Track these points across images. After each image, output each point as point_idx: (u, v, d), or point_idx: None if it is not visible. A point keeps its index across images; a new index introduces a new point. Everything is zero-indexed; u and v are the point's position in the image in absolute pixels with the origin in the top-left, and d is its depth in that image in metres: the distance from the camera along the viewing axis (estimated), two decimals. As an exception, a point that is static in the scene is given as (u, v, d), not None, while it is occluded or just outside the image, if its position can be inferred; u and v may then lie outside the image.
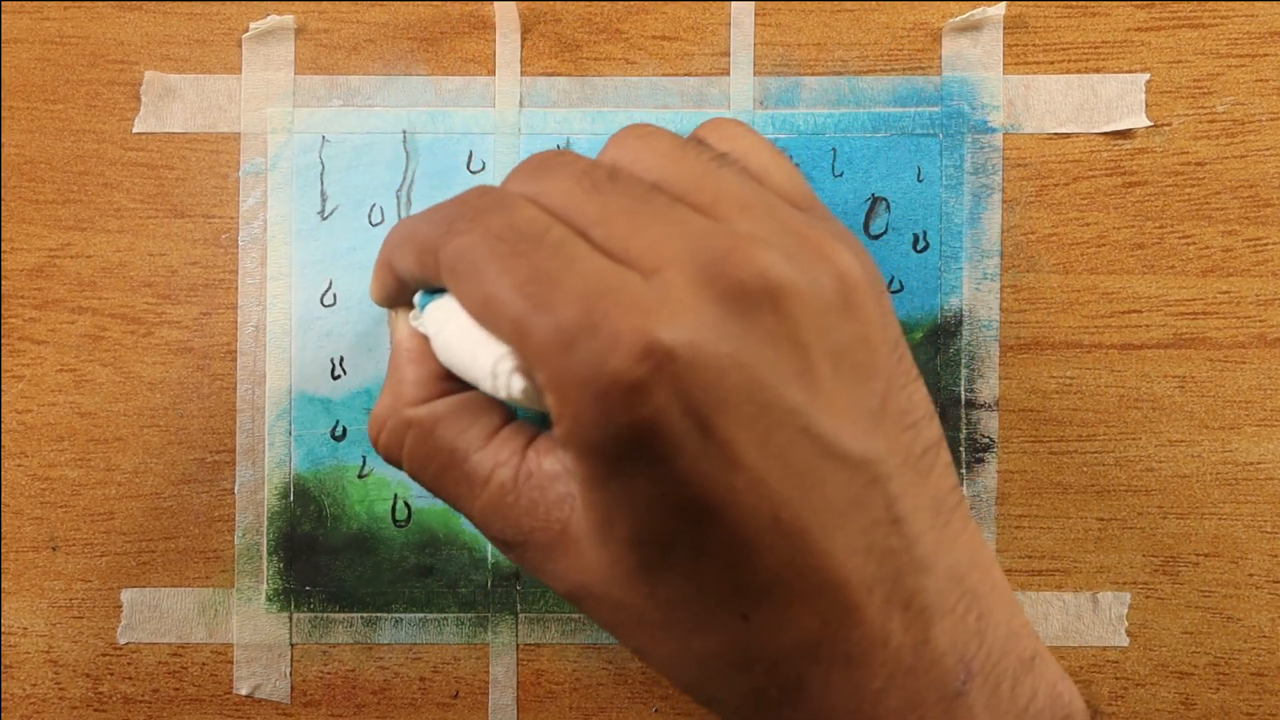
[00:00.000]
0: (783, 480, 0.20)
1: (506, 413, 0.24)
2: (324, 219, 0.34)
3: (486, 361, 0.22)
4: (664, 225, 0.21)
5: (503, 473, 0.23)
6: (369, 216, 0.35)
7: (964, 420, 0.34)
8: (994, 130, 0.34)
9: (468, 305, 0.21)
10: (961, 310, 0.34)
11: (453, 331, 0.23)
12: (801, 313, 0.20)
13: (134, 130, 0.34)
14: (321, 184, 0.34)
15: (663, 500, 0.20)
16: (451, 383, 0.24)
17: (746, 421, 0.20)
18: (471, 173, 0.34)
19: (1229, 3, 0.34)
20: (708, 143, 0.23)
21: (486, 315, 0.21)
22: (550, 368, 0.20)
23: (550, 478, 0.22)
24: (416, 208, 0.34)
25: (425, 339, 0.24)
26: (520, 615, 0.34)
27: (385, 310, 0.28)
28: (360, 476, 0.34)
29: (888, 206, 0.34)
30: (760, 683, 0.21)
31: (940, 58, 0.34)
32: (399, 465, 0.25)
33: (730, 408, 0.20)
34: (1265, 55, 0.34)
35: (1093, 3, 0.34)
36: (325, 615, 0.34)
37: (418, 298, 0.24)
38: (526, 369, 0.21)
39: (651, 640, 0.22)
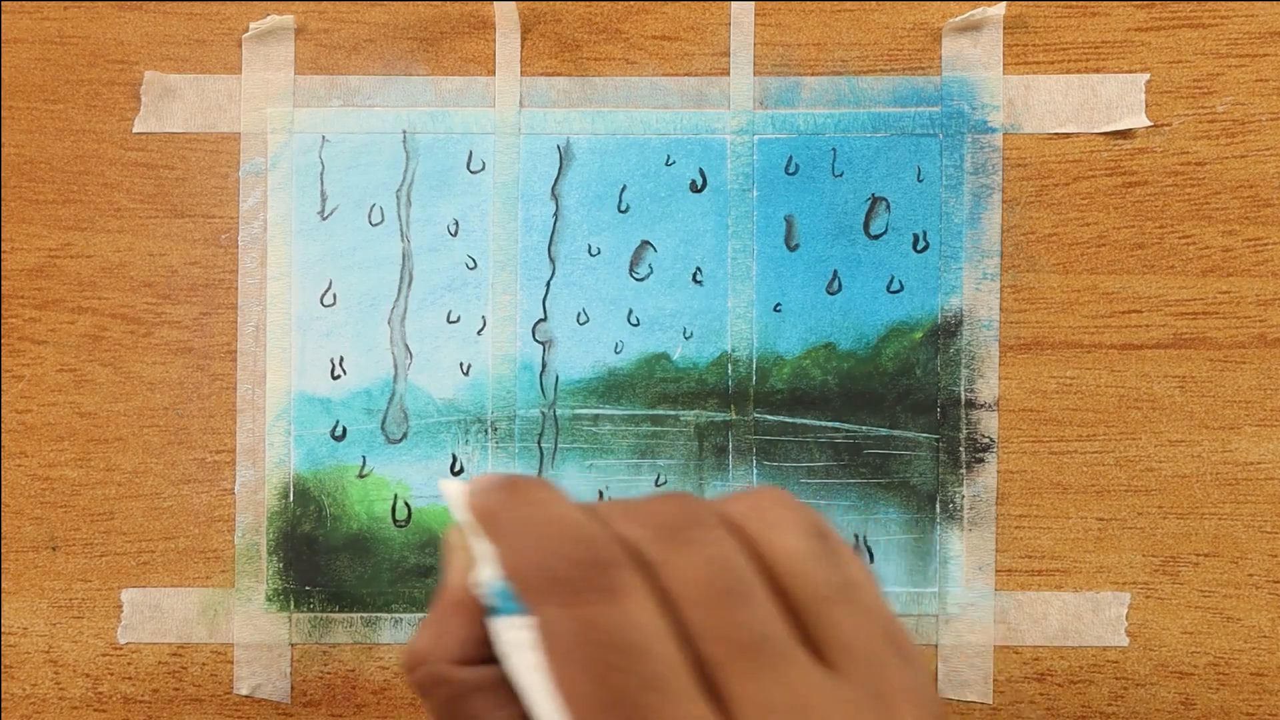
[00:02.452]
0: None
1: None
2: (324, 219, 0.34)
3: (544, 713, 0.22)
4: (772, 680, 0.21)
5: None
6: (369, 216, 0.35)
7: (964, 420, 0.34)
8: (994, 130, 0.34)
9: (555, 674, 0.21)
10: (961, 310, 0.34)
11: (526, 671, 0.22)
12: None
13: (134, 130, 0.34)
14: (321, 184, 0.34)
15: None
16: (489, 649, 0.24)
17: None
18: (471, 172, 0.34)
19: (1229, 3, 0.34)
20: (833, 546, 0.23)
21: (568, 701, 0.21)
22: None
23: None
24: (416, 208, 0.34)
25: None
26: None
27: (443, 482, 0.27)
28: (360, 476, 0.34)
29: (888, 206, 0.34)
30: None
31: (940, 58, 0.34)
32: (426, 702, 0.25)
33: None
34: (1265, 55, 0.34)
35: (1093, 3, 0.34)
36: (325, 615, 0.34)
37: (495, 583, 0.23)
38: None
39: None
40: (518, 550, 0.21)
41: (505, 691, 0.24)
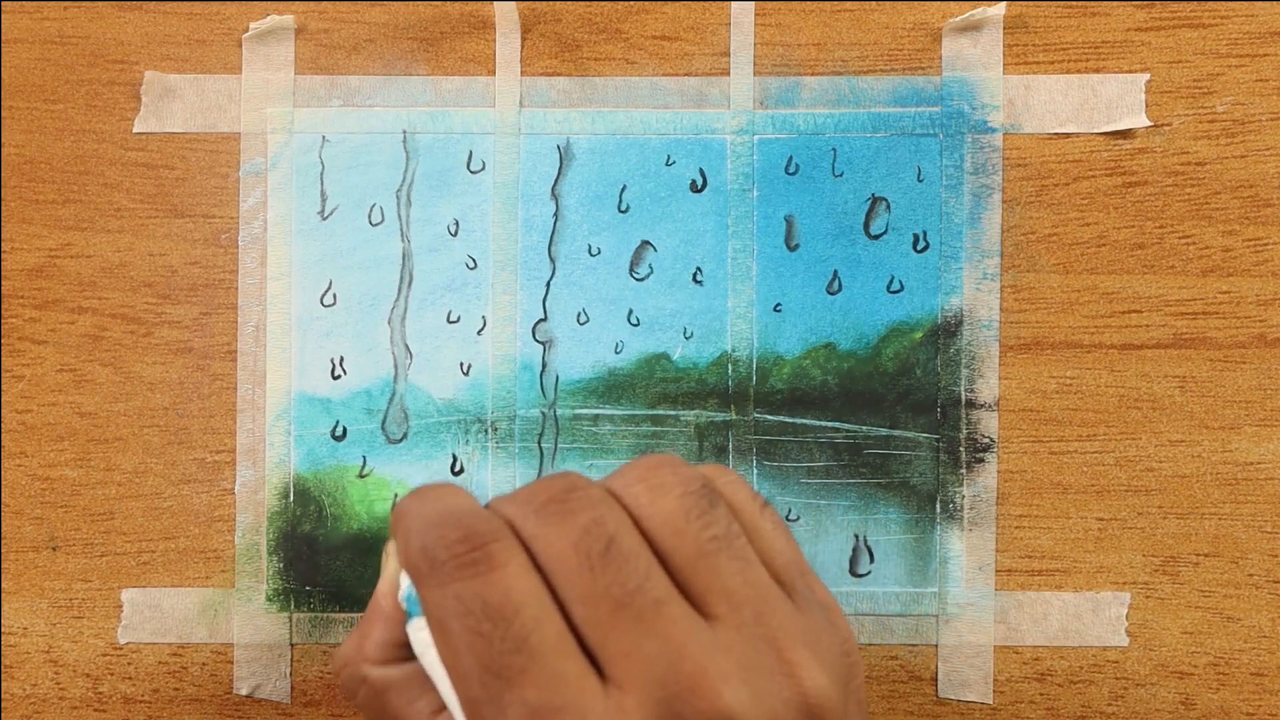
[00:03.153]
0: None
1: None
2: (324, 219, 0.34)
3: (448, 697, 0.23)
4: (642, 632, 0.21)
5: None
6: (369, 216, 0.35)
7: (964, 420, 0.34)
8: (994, 130, 0.34)
9: (443, 658, 0.22)
10: (961, 310, 0.34)
11: (433, 658, 0.23)
12: None
13: (134, 130, 0.34)
14: (321, 184, 0.34)
15: None
16: (411, 649, 0.25)
17: None
18: (471, 172, 0.34)
19: (1229, 3, 0.34)
20: (715, 503, 0.23)
21: (452, 677, 0.21)
22: None
23: None
24: (416, 208, 0.34)
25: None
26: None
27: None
28: (360, 476, 0.34)
29: (888, 206, 0.34)
30: None
31: (940, 58, 0.34)
32: (352, 703, 0.26)
33: None
34: (1265, 55, 0.34)
35: (1093, 3, 0.34)
36: (325, 615, 0.34)
37: (406, 589, 0.24)
38: None
39: None
40: (407, 542, 0.22)
41: (422, 685, 0.25)
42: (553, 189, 0.35)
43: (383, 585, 0.25)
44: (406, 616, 0.24)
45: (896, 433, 0.34)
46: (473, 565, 0.21)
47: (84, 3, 0.34)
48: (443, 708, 0.24)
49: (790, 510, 0.34)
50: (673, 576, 0.22)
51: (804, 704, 0.22)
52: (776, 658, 0.22)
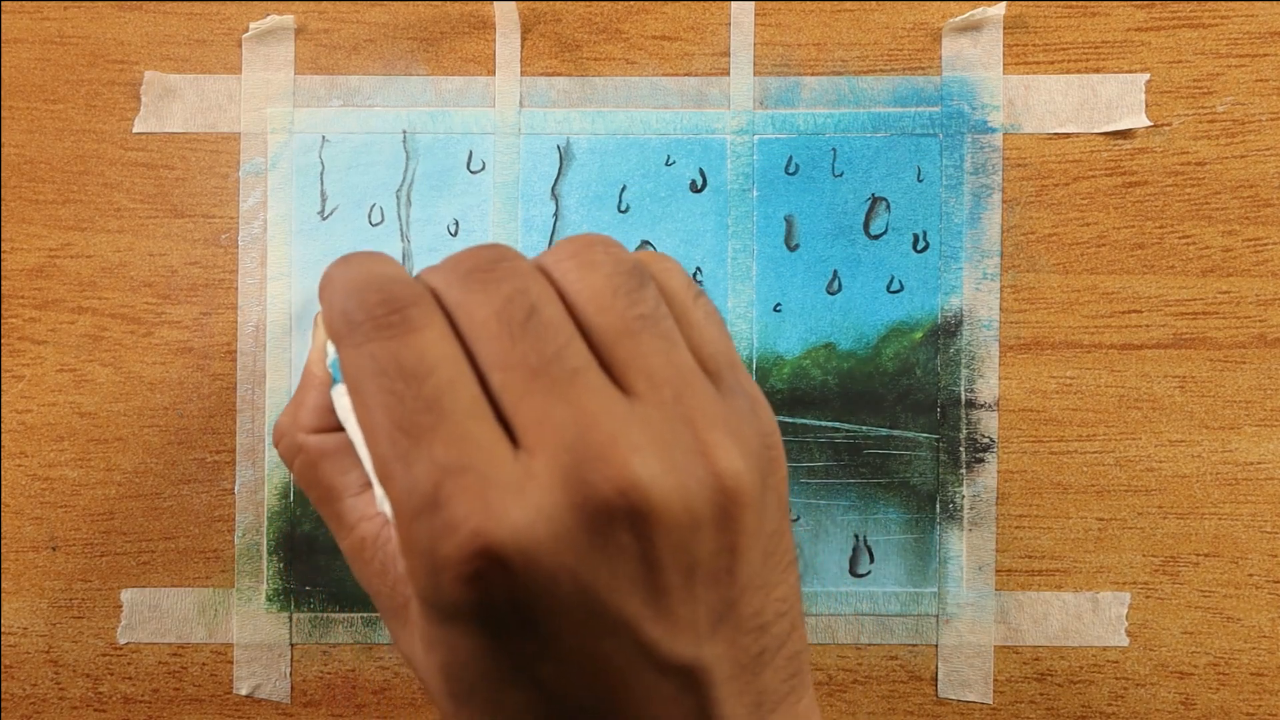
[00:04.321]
0: (596, 675, 0.21)
1: None
2: (324, 219, 0.34)
3: (364, 457, 0.23)
4: (556, 398, 0.21)
5: (366, 528, 0.24)
6: (369, 216, 0.35)
7: (964, 420, 0.34)
8: (994, 130, 0.34)
9: (357, 415, 0.21)
10: (961, 310, 0.34)
11: (355, 424, 0.23)
12: (662, 534, 0.20)
13: (134, 130, 0.34)
14: (321, 184, 0.34)
15: (474, 661, 0.21)
16: None
17: (572, 625, 0.20)
18: (471, 172, 0.34)
19: (1229, 3, 0.34)
20: (645, 283, 0.23)
21: (365, 436, 0.21)
22: (399, 520, 0.20)
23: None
24: (416, 208, 0.34)
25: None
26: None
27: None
28: (360, 476, 0.34)
29: (888, 206, 0.34)
30: None
31: (940, 58, 0.34)
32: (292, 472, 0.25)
33: (557, 612, 0.20)
34: (1265, 55, 0.34)
35: (1093, 3, 0.34)
36: (325, 615, 0.34)
37: (332, 355, 0.24)
38: None
39: None
40: (329, 305, 0.22)
41: (355, 454, 0.24)
42: (553, 189, 0.35)
43: (313, 354, 0.25)
44: (332, 382, 0.24)
45: (896, 433, 0.34)
46: (390, 327, 0.21)
47: (84, 3, 0.34)
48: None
49: (790, 510, 0.34)
50: (596, 353, 0.22)
51: (718, 484, 0.21)
52: (693, 437, 0.21)
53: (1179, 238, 0.34)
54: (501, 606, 0.20)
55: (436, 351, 0.21)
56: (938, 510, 0.34)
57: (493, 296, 0.21)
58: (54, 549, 0.34)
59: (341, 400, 0.23)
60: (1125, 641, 0.34)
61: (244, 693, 0.34)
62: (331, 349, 0.24)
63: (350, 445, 0.24)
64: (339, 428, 0.24)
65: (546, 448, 0.20)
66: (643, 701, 0.21)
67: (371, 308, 0.21)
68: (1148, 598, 0.34)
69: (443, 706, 0.22)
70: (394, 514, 0.20)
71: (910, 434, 0.34)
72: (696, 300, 0.24)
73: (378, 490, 0.23)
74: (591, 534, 0.20)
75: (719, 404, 0.22)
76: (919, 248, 0.34)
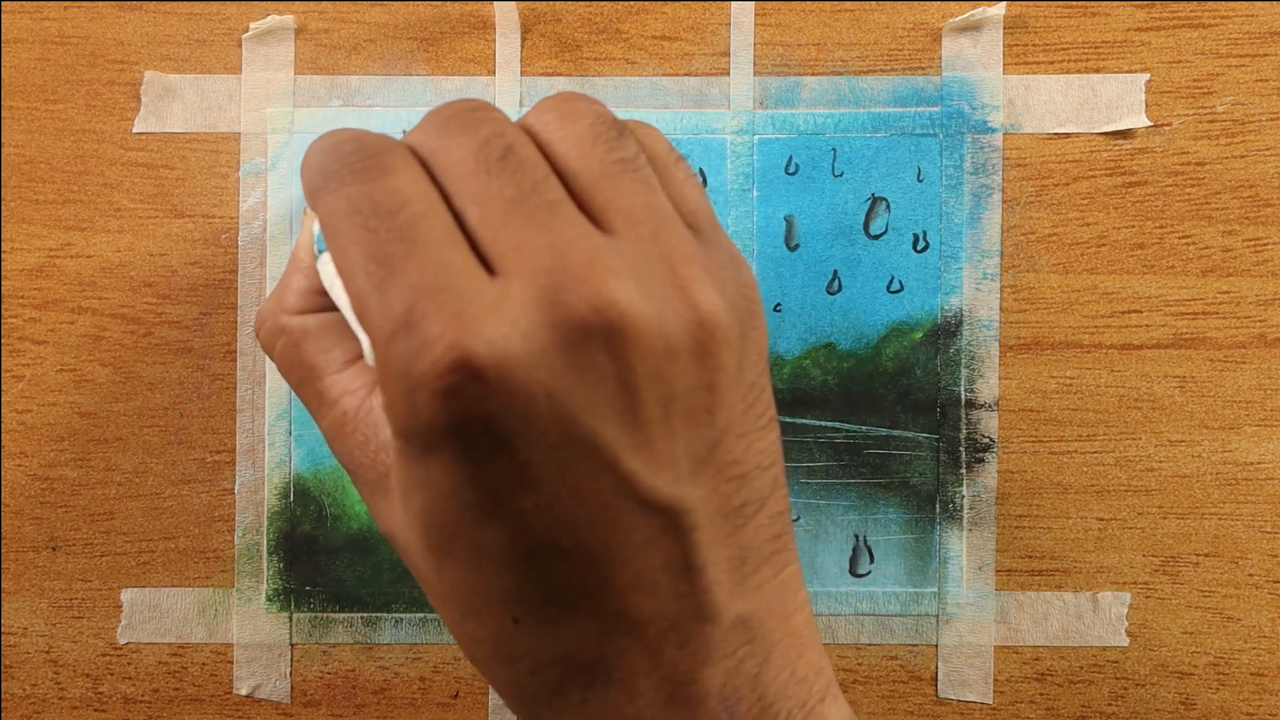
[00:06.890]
0: (576, 509, 0.20)
1: None
2: (324, 219, 0.34)
3: (348, 314, 0.23)
4: (533, 227, 0.20)
5: (348, 401, 0.24)
6: (369, 216, 0.34)
7: (964, 420, 0.34)
8: (994, 130, 0.34)
9: (334, 261, 0.21)
10: (961, 310, 0.34)
11: (332, 272, 0.23)
12: (638, 356, 0.20)
13: (134, 130, 0.34)
14: (321, 184, 0.34)
15: (453, 496, 0.21)
16: (329, 299, 0.25)
17: (548, 449, 0.20)
18: (471, 173, 0.34)
19: (1229, 3, 0.34)
20: (626, 134, 0.23)
21: (343, 279, 0.21)
22: (376, 349, 0.20)
23: (384, 422, 0.23)
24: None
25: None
26: (520, 615, 0.34)
27: None
28: (360, 476, 0.34)
29: (888, 206, 0.34)
30: (521, 678, 0.22)
31: (940, 58, 0.34)
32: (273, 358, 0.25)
33: (533, 434, 0.20)
34: (1265, 55, 0.34)
35: (1093, 3, 0.34)
36: (325, 615, 0.34)
37: (317, 232, 0.24)
38: None
39: (439, 607, 0.23)
40: (307, 168, 0.22)
41: (339, 334, 0.25)
42: (553, 189, 0.35)
43: (301, 239, 0.25)
44: (317, 256, 0.24)
45: (896, 433, 0.34)
46: (364, 171, 0.21)
47: (84, 3, 0.34)
48: (356, 357, 0.24)
49: (790, 510, 0.34)
50: (575, 199, 0.22)
51: (695, 317, 0.21)
52: (670, 271, 0.21)
53: (1179, 238, 0.34)
54: (477, 427, 0.20)
55: (410, 189, 0.21)
56: (938, 510, 0.34)
57: (470, 139, 0.21)
58: (54, 549, 0.34)
59: (327, 269, 0.23)
60: (1125, 641, 0.34)
61: (244, 693, 0.34)
62: (317, 228, 0.24)
63: (333, 324, 0.24)
64: (322, 309, 0.24)
65: (523, 272, 0.20)
66: (623, 541, 0.21)
67: (345, 156, 0.21)
68: (1148, 598, 0.34)
69: (424, 571, 0.22)
70: (371, 345, 0.20)
71: (910, 434, 0.34)
72: (678, 164, 0.24)
73: (362, 338, 0.22)
74: (567, 352, 0.20)
75: (698, 247, 0.22)
76: (919, 248, 0.34)
